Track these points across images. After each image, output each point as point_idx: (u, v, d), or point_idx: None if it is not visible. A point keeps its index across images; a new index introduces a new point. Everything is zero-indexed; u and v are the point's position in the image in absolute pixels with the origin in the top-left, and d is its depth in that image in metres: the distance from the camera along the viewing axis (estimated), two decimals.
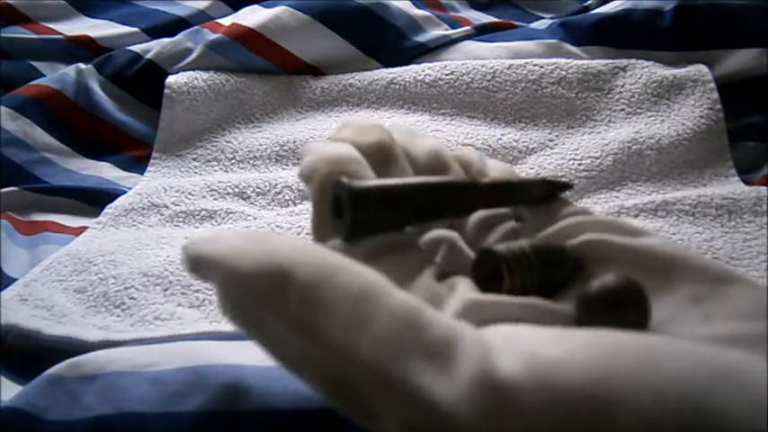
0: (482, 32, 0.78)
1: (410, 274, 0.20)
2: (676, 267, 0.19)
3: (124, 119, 0.72)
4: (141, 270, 0.52)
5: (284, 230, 0.55)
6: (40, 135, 0.69)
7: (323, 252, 0.16)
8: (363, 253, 0.20)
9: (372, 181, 0.21)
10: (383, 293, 0.15)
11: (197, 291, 0.50)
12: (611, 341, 0.14)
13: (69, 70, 0.74)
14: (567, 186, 0.24)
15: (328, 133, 0.67)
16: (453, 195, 0.22)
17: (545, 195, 0.24)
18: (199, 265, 0.16)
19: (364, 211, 0.20)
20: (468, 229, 0.24)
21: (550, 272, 0.20)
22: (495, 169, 0.25)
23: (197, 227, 0.59)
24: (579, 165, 0.61)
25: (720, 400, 0.13)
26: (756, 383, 0.13)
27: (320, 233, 0.21)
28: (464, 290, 0.19)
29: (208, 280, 0.16)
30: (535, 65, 0.69)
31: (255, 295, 0.15)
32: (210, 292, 0.50)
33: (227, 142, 0.69)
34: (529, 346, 0.14)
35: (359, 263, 0.16)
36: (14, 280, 0.53)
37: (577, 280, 0.20)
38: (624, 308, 0.18)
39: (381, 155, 0.23)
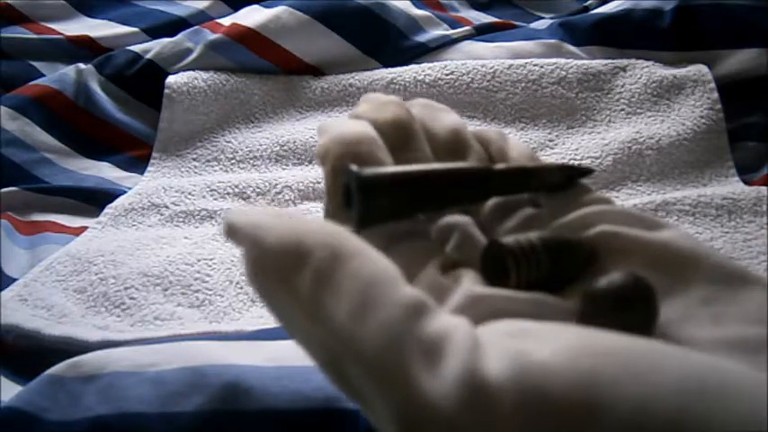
0: (482, 32, 0.78)
1: (417, 265, 0.20)
2: (692, 265, 0.19)
3: (124, 119, 0.72)
4: (141, 270, 0.52)
5: None
6: (39, 135, 0.69)
7: (344, 236, 0.16)
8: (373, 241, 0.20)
9: (382, 168, 0.20)
10: (390, 284, 0.15)
11: (197, 291, 0.50)
12: (602, 345, 0.14)
13: (69, 70, 0.74)
14: (587, 172, 0.24)
15: None
16: (467, 183, 0.21)
17: (564, 182, 0.23)
18: (232, 232, 0.17)
19: (374, 200, 0.19)
20: (484, 215, 0.23)
21: (560, 266, 0.20)
22: (515, 149, 0.24)
23: (197, 227, 0.59)
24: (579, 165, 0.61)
25: (709, 413, 0.13)
26: (750, 396, 0.13)
27: (333, 219, 0.21)
28: (468, 283, 0.19)
29: (239, 247, 0.17)
30: (535, 65, 0.69)
31: (273, 269, 0.16)
32: (210, 292, 0.50)
33: (227, 142, 0.69)
34: (518, 345, 0.14)
35: (376, 250, 0.16)
36: (14, 280, 0.53)
37: (590, 273, 0.20)
38: (629, 309, 0.17)
39: (398, 133, 0.22)
